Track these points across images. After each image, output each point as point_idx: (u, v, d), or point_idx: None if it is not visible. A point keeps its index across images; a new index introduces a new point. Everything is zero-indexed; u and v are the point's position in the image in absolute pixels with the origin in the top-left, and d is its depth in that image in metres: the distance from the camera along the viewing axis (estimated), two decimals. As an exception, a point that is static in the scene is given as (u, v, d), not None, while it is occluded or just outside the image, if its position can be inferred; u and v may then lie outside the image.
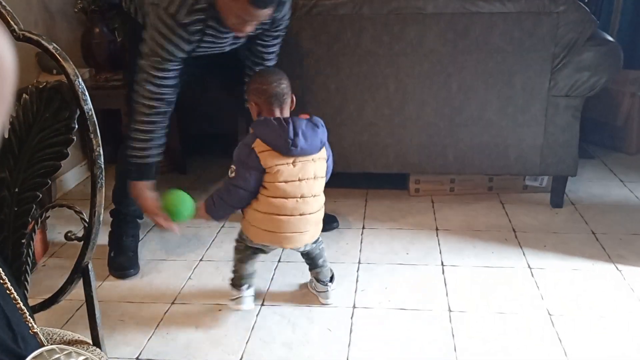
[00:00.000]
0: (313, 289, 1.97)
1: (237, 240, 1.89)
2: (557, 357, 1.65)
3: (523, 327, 1.78)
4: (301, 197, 1.73)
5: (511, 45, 2.34)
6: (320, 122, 1.77)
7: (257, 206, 1.75)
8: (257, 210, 1.75)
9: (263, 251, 1.88)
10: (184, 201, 1.79)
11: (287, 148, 1.68)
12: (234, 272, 1.90)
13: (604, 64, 2.33)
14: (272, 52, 2.08)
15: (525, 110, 2.43)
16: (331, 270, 1.97)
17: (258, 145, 1.69)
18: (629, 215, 2.50)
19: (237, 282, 1.89)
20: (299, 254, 2.28)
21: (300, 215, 1.75)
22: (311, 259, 1.93)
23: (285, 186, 1.70)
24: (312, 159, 1.75)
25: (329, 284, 1.94)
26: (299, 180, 1.72)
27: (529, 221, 2.47)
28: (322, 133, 1.76)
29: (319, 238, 1.90)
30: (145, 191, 1.89)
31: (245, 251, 1.86)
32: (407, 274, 2.09)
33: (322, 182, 1.81)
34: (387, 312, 1.87)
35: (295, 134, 1.68)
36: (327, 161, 1.83)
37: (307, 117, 1.76)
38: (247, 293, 1.89)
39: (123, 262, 2.13)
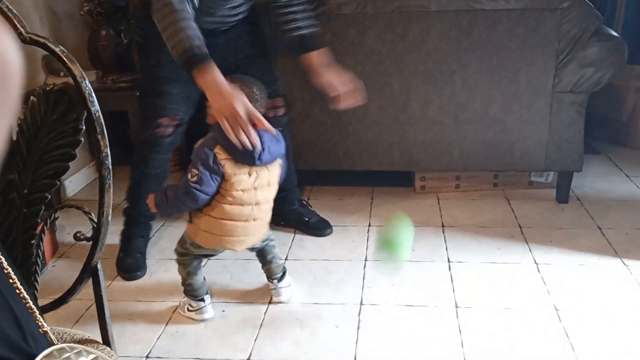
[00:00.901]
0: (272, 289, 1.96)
1: (180, 254, 1.84)
2: (564, 352, 1.65)
3: (530, 322, 1.79)
4: (256, 204, 1.70)
5: (515, 42, 2.35)
6: (281, 137, 1.72)
7: (210, 212, 1.69)
8: (210, 215, 1.69)
9: (211, 255, 1.88)
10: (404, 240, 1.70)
11: (253, 162, 1.63)
12: (188, 285, 1.86)
13: (609, 60, 2.33)
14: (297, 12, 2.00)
15: (530, 107, 2.43)
16: (283, 268, 1.95)
17: (219, 152, 1.62)
18: (635, 210, 2.49)
19: (195, 293, 1.86)
20: (306, 252, 2.29)
21: (254, 220, 1.73)
22: (260, 255, 1.94)
23: (242, 194, 1.66)
24: (267, 168, 1.70)
25: (280, 282, 1.94)
26: (254, 188, 1.68)
27: (535, 217, 2.47)
28: (283, 148, 1.72)
29: (267, 235, 1.89)
30: (214, 74, 1.64)
31: (192, 263, 1.84)
32: (414, 270, 2.09)
33: (275, 189, 1.78)
34: (394, 309, 1.88)
35: (263, 149, 1.62)
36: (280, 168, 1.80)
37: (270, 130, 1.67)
38: (208, 301, 1.88)
39: (130, 265, 2.15)
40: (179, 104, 2.04)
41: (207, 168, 1.62)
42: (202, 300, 1.87)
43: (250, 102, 1.62)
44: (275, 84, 2.15)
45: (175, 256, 1.87)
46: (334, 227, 2.42)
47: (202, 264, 1.90)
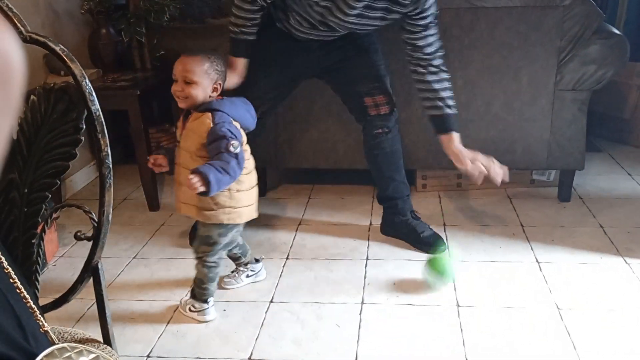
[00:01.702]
0: (250, 275, 2.01)
1: (203, 252, 1.80)
2: (565, 351, 1.65)
3: (531, 321, 1.78)
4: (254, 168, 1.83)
5: (517, 40, 2.34)
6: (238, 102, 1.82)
7: (239, 186, 1.74)
8: (240, 190, 1.74)
9: (232, 242, 1.90)
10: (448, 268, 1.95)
11: (254, 124, 1.77)
12: (203, 289, 1.85)
13: (611, 57, 2.32)
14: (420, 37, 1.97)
15: (532, 105, 2.43)
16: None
17: (237, 123, 1.72)
18: (637, 208, 2.49)
19: (204, 297, 1.86)
20: (307, 251, 2.29)
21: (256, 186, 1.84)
22: (240, 249, 1.98)
23: (250, 162, 1.79)
24: None
25: (258, 262, 2.04)
26: (251, 153, 1.81)
27: (537, 215, 2.46)
28: None
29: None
30: (234, 64, 2.01)
31: (218, 266, 1.84)
32: (415, 269, 2.09)
33: None
34: (396, 308, 1.88)
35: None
36: None
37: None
38: (211, 302, 1.87)
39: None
40: None
41: (239, 140, 1.68)
42: (206, 302, 1.86)
43: (210, 70, 1.70)
44: (377, 81, 2.14)
45: (196, 258, 1.84)
46: (333, 226, 2.42)
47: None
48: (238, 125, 1.72)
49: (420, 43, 1.96)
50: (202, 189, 1.56)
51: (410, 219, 2.28)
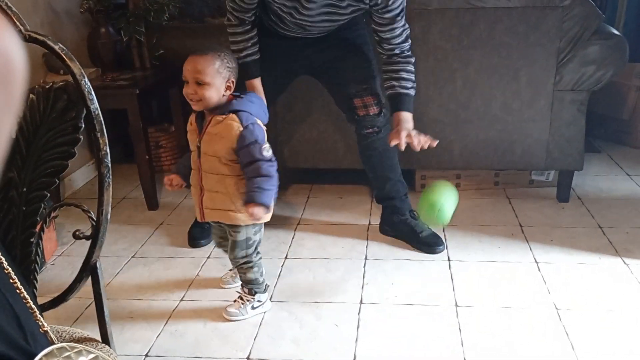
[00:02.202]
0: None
1: (248, 255, 1.79)
2: (564, 351, 1.65)
3: (530, 321, 1.79)
4: None
5: (516, 40, 2.34)
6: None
7: None
8: None
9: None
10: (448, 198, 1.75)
11: (267, 119, 1.77)
12: (258, 285, 1.86)
13: (610, 58, 2.32)
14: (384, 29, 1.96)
15: (531, 105, 2.43)
16: None
17: (259, 122, 1.70)
18: (636, 209, 2.49)
19: (262, 288, 1.88)
20: (306, 250, 2.29)
21: None
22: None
23: None
24: None
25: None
26: None
27: (536, 216, 2.46)
28: None
29: None
30: (255, 86, 2.05)
31: (261, 257, 1.85)
32: (414, 269, 2.09)
33: None
34: (394, 308, 1.88)
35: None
36: None
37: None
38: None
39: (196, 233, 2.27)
40: None
41: (267, 140, 1.69)
42: (265, 291, 1.89)
43: (222, 69, 1.66)
44: (366, 83, 2.13)
45: (239, 265, 1.82)
46: (332, 226, 2.42)
47: None
48: (261, 124, 1.70)
49: (387, 35, 1.96)
50: (265, 218, 1.65)
51: (409, 219, 2.28)
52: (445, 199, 1.74)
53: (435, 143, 1.89)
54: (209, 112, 1.70)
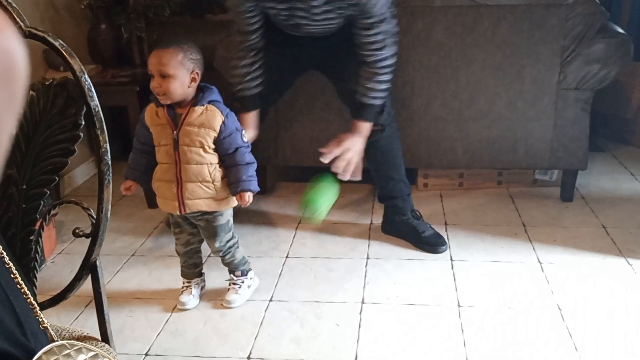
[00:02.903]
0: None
1: (231, 239, 1.87)
2: (567, 352, 1.64)
3: (533, 322, 1.77)
4: None
5: (520, 38, 2.32)
6: None
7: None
8: None
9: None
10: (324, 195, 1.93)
11: None
12: (245, 263, 1.94)
13: (614, 56, 2.31)
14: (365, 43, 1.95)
15: (535, 104, 2.41)
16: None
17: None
18: (640, 209, 2.48)
19: (249, 266, 1.96)
20: (307, 249, 2.28)
21: None
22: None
23: None
24: None
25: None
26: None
27: (539, 215, 2.45)
28: None
29: None
30: (246, 121, 2.03)
31: (236, 237, 1.91)
32: (416, 269, 2.08)
33: None
34: (396, 308, 1.87)
35: None
36: None
37: None
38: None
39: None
40: None
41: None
42: (250, 271, 1.96)
43: (185, 61, 1.67)
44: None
45: (227, 250, 1.88)
46: (334, 225, 2.41)
47: None
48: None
49: (363, 40, 1.94)
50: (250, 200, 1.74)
51: (411, 219, 2.26)
52: (318, 196, 1.92)
53: (357, 178, 1.99)
54: (178, 104, 1.72)
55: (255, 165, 1.76)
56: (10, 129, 0.45)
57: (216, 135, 1.70)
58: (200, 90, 1.73)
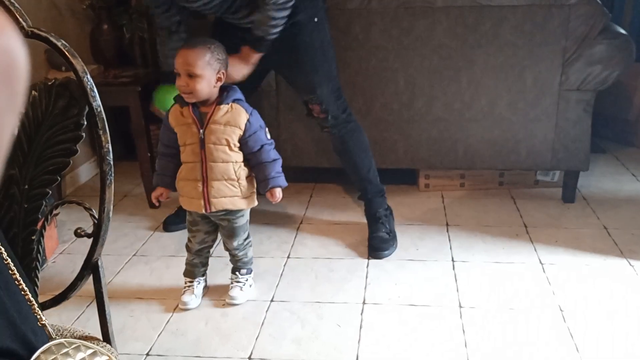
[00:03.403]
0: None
1: (247, 237, 1.92)
2: (568, 353, 1.64)
3: (534, 323, 1.77)
4: None
5: (522, 39, 2.32)
6: None
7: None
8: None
9: None
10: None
11: None
12: (251, 262, 1.98)
13: (616, 58, 2.30)
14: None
15: (536, 105, 2.41)
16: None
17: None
18: (642, 210, 2.48)
19: (252, 266, 1.99)
20: (308, 250, 2.28)
21: None
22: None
23: None
24: None
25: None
26: None
27: (540, 216, 2.45)
28: None
29: None
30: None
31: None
32: (417, 269, 2.08)
33: None
34: (397, 308, 1.87)
35: None
36: None
37: None
38: None
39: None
40: None
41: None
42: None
43: (212, 61, 1.69)
44: (312, 92, 2.10)
45: (242, 248, 1.92)
46: (335, 225, 2.41)
47: None
48: None
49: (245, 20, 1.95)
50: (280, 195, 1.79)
51: (370, 218, 2.28)
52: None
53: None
54: (202, 103, 1.74)
55: (280, 161, 1.80)
56: (11, 129, 0.45)
57: (241, 133, 1.73)
58: (224, 89, 1.75)
